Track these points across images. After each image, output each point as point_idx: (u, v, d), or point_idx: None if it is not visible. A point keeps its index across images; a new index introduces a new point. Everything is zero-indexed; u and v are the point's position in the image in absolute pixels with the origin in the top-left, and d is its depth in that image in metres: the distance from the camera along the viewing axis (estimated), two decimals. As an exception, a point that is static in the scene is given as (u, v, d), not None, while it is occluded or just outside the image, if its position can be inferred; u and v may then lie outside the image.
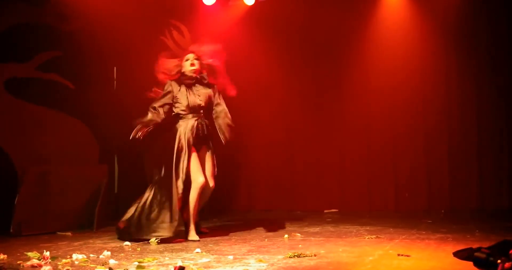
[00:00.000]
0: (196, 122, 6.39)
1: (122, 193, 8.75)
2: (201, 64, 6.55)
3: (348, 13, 9.18)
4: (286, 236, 6.28)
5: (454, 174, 8.80)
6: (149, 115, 6.34)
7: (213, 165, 6.51)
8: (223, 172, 8.88)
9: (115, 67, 8.86)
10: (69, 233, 6.88)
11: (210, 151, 6.51)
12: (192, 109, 6.41)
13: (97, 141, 8.36)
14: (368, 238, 6.02)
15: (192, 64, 6.50)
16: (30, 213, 6.90)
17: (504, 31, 8.70)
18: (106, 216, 7.60)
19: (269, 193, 9.48)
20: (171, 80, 6.48)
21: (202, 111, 6.47)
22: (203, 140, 6.42)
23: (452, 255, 4.70)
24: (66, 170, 7.40)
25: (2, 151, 7.44)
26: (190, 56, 6.55)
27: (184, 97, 6.40)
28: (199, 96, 6.45)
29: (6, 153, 7.45)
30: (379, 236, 6.11)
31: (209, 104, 6.55)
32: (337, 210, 9.01)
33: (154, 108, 6.36)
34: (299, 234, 6.40)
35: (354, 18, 9.19)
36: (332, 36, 9.29)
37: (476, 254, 4.12)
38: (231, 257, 5.01)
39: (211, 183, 6.46)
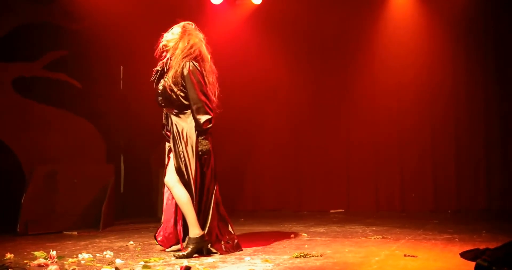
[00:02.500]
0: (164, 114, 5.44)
1: (128, 193, 8.77)
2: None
3: (356, 12, 9.18)
4: (292, 236, 6.28)
5: (461, 174, 8.77)
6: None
7: (173, 158, 5.20)
8: (229, 172, 8.94)
9: (121, 67, 8.87)
10: (75, 233, 6.89)
11: (172, 144, 5.22)
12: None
13: (103, 140, 8.38)
14: (374, 238, 6.01)
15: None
16: (36, 212, 6.91)
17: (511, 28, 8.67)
18: (112, 216, 7.61)
19: (275, 193, 9.48)
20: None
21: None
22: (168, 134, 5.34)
23: (459, 256, 4.69)
24: (73, 170, 7.41)
25: (9, 150, 7.46)
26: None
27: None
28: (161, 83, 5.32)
29: (13, 152, 7.48)
30: (385, 236, 6.10)
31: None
32: (343, 210, 9.00)
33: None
34: (305, 234, 6.39)
35: (361, 17, 9.19)
36: (339, 36, 9.29)
37: (478, 261, 4.09)
38: (237, 257, 5.01)
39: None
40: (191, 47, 5.26)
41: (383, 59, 9.13)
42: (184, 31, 5.33)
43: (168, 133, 5.32)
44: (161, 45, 5.35)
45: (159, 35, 5.50)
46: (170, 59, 5.27)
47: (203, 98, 5.16)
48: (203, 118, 5.13)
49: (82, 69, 8.11)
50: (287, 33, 9.50)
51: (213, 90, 5.34)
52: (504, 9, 8.69)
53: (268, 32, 9.45)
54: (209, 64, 5.37)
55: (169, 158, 5.38)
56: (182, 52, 5.23)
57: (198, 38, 5.36)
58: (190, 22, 5.44)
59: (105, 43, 8.25)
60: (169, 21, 5.49)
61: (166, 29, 5.50)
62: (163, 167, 5.51)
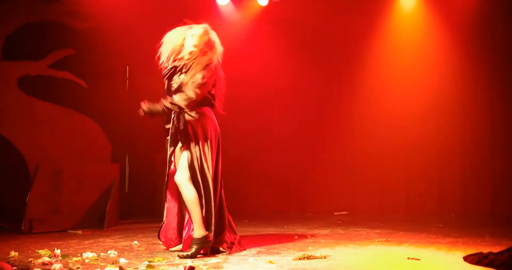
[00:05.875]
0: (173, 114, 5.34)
1: (132, 192, 8.78)
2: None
3: (363, 14, 9.14)
4: (296, 237, 6.28)
5: (466, 178, 8.73)
6: None
7: (187, 157, 5.21)
8: (234, 173, 8.93)
9: (127, 66, 8.88)
10: (79, 232, 6.90)
11: (185, 142, 5.25)
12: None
13: (108, 139, 8.39)
14: (378, 241, 6.00)
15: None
16: (41, 211, 6.93)
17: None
18: (117, 215, 7.62)
19: (279, 195, 9.46)
20: None
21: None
22: (180, 132, 5.31)
23: (463, 260, 4.69)
24: (78, 169, 7.42)
25: (15, 149, 7.48)
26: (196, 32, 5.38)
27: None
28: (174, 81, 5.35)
29: (18, 150, 7.50)
30: (389, 239, 6.10)
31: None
32: (347, 212, 8.99)
33: None
34: (309, 236, 6.39)
35: (368, 19, 9.15)
36: (346, 38, 9.26)
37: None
38: (241, 258, 5.01)
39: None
40: (215, 54, 5.32)
41: (390, 61, 9.10)
42: (208, 37, 5.36)
43: (175, 133, 5.31)
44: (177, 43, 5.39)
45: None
46: (193, 60, 5.26)
47: (197, 91, 5.14)
48: (181, 100, 5.11)
49: (87, 68, 8.13)
50: (293, 35, 9.48)
51: (222, 92, 5.39)
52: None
53: (274, 33, 9.43)
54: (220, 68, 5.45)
55: (171, 162, 5.40)
56: (207, 59, 5.26)
57: (218, 44, 5.42)
58: (205, 24, 5.47)
59: (111, 42, 8.27)
60: (176, 21, 5.51)
61: (172, 29, 5.51)
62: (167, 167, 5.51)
